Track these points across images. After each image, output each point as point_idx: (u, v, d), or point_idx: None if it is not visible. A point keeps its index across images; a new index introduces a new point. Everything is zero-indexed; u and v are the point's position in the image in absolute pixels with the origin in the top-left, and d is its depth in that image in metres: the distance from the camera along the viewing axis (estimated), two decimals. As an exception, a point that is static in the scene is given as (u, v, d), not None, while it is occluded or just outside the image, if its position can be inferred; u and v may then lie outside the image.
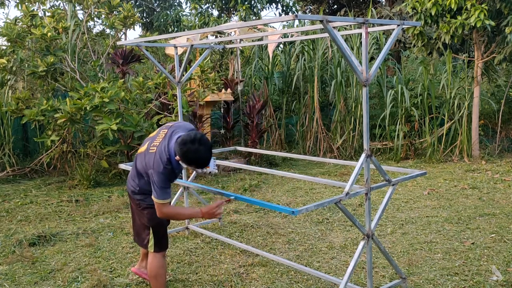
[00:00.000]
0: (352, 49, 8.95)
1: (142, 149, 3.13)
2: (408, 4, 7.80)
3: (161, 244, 3.20)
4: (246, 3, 12.10)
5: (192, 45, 4.51)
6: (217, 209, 3.07)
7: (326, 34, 3.99)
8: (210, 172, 3.27)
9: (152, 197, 2.96)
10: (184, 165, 2.99)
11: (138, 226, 3.27)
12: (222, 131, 8.86)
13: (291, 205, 5.73)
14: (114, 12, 8.05)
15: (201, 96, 7.11)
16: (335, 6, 15.51)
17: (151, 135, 3.22)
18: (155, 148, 2.98)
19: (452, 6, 7.17)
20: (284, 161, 8.65)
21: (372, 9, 10.05)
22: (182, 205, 5.14)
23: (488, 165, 7.71)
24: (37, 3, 7.92)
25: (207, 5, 12.97)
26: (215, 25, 10.90)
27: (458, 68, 9.05)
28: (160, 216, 3.01)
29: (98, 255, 4.24)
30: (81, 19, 8.28)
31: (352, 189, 2.91)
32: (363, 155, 2.97)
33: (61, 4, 9.09)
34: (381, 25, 3.57)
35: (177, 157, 2.92)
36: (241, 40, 7.86)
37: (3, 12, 36.34)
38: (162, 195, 2.91)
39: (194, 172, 4.84)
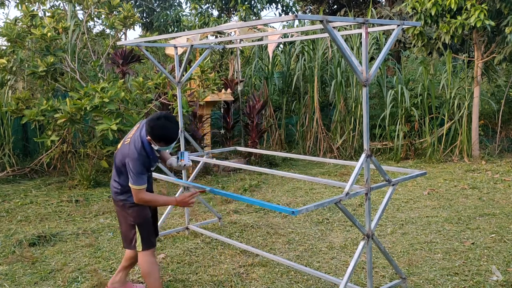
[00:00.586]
0: (352, 49, 8.95)
1: (119, 145, 3.28)
2: (408, 4, 7.80)
3: (149, 242, 3.23)
4: (246, 3, 12.10)
5: (192, 45, 4.51)
6: (190, 198, 3.27)
7: (326, 34, 4.00)
8: (185, 165, 3.58)
9: (129, 184, 3.08)
10: (156, 147, 3.12)
11: (125, 228, 3.28)
12: (222, 131, 8.85)
13: (291, 205, 5.73)
14: (114, 12, 8.05)
15: (201, 96, 7.11)
16: (335, 6, 15.51)
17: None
18: (129, 139, 3.16)
19: (452, 6, 7.17)
20: (284, 161, 8.65)
21: (372, 9, 10.05)
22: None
23: (488, 165, 7.71)
24: (37, 3, 7.92)
25: (207, 5, 12.97)
26: (215, 25, 10.90)
27: (458, 68, 9.05)
28: (137, 201, 3.13)
29: (98, 255, 4.24)
30: (81, 19, 8.28)
31: (352, 189, 2.92)
32: (363, 155, 2.98)
33: (61, 4, 9.10)
34: (381, 25, 3.57)
35: (148, 137, 3.08)
36: (241, 40, 7.85)
37: (3, 12, 36.40)
38: (138, 181, 3.05)
39: (194, 172, 4.85)
